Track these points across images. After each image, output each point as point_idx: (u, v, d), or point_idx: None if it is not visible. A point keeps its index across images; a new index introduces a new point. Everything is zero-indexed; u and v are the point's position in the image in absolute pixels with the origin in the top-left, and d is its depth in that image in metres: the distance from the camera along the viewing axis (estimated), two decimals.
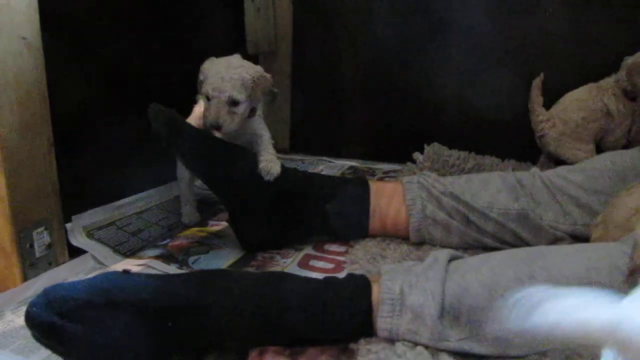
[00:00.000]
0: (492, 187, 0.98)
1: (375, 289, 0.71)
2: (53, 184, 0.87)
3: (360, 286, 0.72)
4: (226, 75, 0.94)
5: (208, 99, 0.95)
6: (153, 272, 0.92)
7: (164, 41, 1.21)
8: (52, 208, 0.87)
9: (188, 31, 1.28)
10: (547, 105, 1.28)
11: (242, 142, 1.01)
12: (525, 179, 0.98)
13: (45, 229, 0.86)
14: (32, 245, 0.84)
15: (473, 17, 1.41)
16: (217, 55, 1.00)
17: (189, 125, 0.94)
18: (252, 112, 1.02)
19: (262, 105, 1.09)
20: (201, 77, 0.98)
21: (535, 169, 1.01)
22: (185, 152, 0.94)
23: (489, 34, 1.42)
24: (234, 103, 0.95)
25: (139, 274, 0.72)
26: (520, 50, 1.39)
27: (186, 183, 1.13)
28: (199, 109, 0.99)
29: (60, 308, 0.63)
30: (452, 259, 0.75)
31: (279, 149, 1.59)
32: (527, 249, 0.76)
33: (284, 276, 0.75)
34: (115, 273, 0.70)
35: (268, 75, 0.99)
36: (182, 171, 1.13)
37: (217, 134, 0.96)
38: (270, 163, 0.98)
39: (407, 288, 0.70)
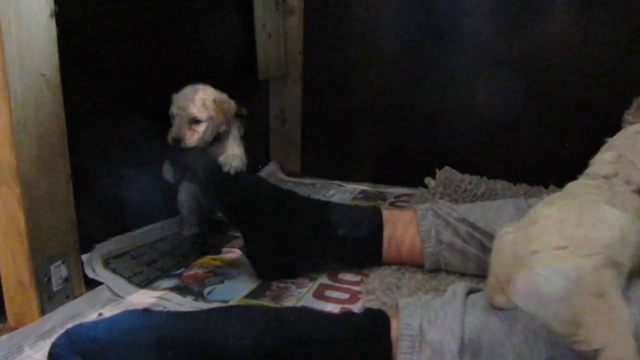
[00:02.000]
0: (505, 214, 0.98)
1: (394, 325, 0.71)
2: (71, 218, 0.87)
3: (379, 324, 0.72)
4: (190, 96, 1.07)
5: (173, 118, 1.07)
6: (169, 304, 0.93)
7: (176, 67, 1.22)
8: (69, 242, 0.87)
9: (199, 57, 1.29)
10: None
11: None
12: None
13: (63, 262, 0.86)
14: (49, 280, 0.84)
15: (484, 39, 1.42)
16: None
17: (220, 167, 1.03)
18: (220, 136, 1.11)
19: (237, 132, 1.16)
20: (172, 103, 1.09)
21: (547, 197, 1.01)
22: (220, 194, 1.02)
23: (502, 55, 1.43)
24: (195, 121, 1.06)
25: (159, 313, 0.72)
26: (534, 72, 1.39)
27: (188, 209, 1.19)
28: None
29: (83, 348, 0.64)
30: (470, 291, 0.74)
31: (289, 173, 1.62)
32: None
33: (303, 312, 0.75)
34: (136, 312, 0.71)
35: (231, 101, 1.11)
36: (184, 198, 1.19)
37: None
38: (230, 159, 1.04)
39: (427, 324, 0.69)
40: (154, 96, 1.15)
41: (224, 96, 1.10)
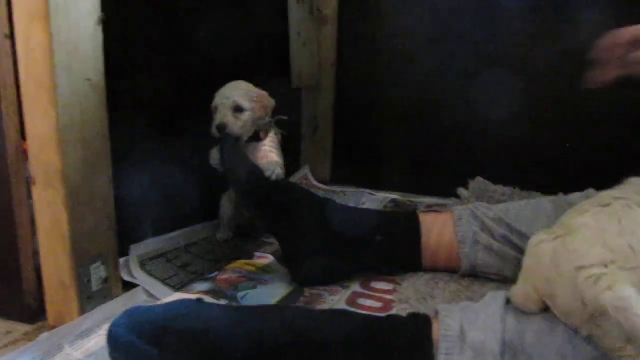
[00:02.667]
0: (542, 212, 0.97)
1: (435, 327, 0.71)
2: (111, 220, 0.89)
3: (420, 324, 0.72)
4: (232, 87, 1.12)
5: (216, 110, 1.11)
6: None
7: (212, 73, 1.24)
8: (108, 244, 0.89)
9: (235, 63, 1.31)
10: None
11: None
12: (578, 201, 0.96)
13: (102, 263, 0.88)
14: (89, 280, 0.86)
15: (518, 51, 1.41)
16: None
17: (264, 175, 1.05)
18: (258, 135, 1.15)
19: (275, 137, 1.19)
20: (214, 102, 1.12)
21: (591, 190, 0.95)
22: (260, 199, 1.03)
23: (537, 69, 1.42)
24: (238, 108, 1.10)
25: (211, 305, 0.75)
26: (568, 82, 1.38)
27: (228, 218, 1.22)
28: None
29: (140, 329, 0.66)
30: (509, 300, 0.74)
31: (320, 180, 1.62)
32: None
33: (347, 313, 0.76)
34: (190, 301, 0.73)
35: (272, 99, 1.15)
36: (226, 205, 1.21)
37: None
38: (272, 165, 1.06)
39: (467, 325, 0.69)
40: (191, 101, 1.17)
41: (263, 92, 1.14)
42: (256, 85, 1.16)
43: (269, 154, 1.14)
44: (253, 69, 1.37)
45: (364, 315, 0.76)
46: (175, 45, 1.15)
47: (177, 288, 1.01)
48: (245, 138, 1.12)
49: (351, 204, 1.45)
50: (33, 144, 0.80)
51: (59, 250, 0.83)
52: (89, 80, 0.81)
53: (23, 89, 0.79)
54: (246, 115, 1.10)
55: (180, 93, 1.17)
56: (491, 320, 0.69)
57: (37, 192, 0.82)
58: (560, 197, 1.00)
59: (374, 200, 1.51)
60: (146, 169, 1.09)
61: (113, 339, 0.67)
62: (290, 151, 1.55)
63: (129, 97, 1.01)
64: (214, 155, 1.11)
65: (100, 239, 0.87)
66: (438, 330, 0.70)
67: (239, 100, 1.10)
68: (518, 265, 0.94)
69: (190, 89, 1.19)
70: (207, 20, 1.24)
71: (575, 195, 0.98)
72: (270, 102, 1.15)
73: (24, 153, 0.82)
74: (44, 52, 0.76)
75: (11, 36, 0.78)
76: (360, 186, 1.61)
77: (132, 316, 0.68)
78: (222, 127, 1.08)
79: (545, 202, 1.00)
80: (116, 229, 0.91)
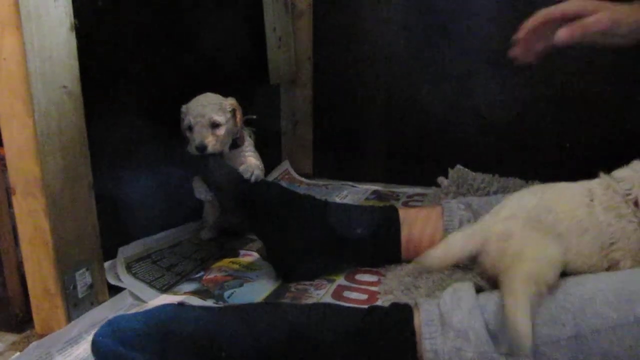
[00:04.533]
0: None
1: (416, 315, 0.73)
2: (93, 225, 0.89)
3: (401, 314, 0.74)
4: (204, 102, 1.08)
5: (190, 129, 1.08)
6: None
7: (188, 74, 1.24)
8: (92, 249, 0.89)
9: (210, 62, 1.31)
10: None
11: None
12: None
13: (87, 269, 0.88)
14: (75, 287, 0.86)
15: (493, 37, 1.43)
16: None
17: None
18: (237, 141, 1.14)
19: (250, 139, 1.19)
20: (182, 116, 1.10)
21: None
22: (241, 202, 1.05)
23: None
24: (215, 125, 1.07)
25: (193, 307, 0.76)
26: (547, 68, 1.40)
27: (213, 218, 1.22)
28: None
29: (123, 337, 0.67)
30: (477, 290, 0.76)
31: (302, 175, 1.63)
32: None
33: (332, 307, 0.77)
34: (171, 305, 0.75)
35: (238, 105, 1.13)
36: (209, 206, 1.21)
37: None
38: (251, 168, 1.07)
39: (445, 308, 0.71)
40: (167, 103, 1.16)
41: (234, 100, 1.13)
42: (234, 84, 1.16)
43: (247, 158, 1.14)
44: (229, 67, 1.37)
45: (347, 308, 0.78)
46: (147, 46, 1.15)
47: (164, 289, 1.02)
48: (227, 150, 1.12)
49: (334, 197, 1.47)
50: (11, 153, 0.80)
51: (43, 259, 0.83)
52: (64, 87, 0.81)
53: None
54: (223, 130, 1.08)
55: (155, 94, 1.16)
56: (467, 302, 0.71)
57: (17, 201, 0.81)
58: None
59: (355, 192, 1.53)
60: (129, 171, 1.09)
61: (98, 350, 0.67)
62: (270, 147, 1.57)
63: (103, 100, 1.01)
64: (199, 186, 1.12)
65: (83, 245, 0.87)
66: (419, 317, 0.72)
67: (214, 117, 1.07)
68: None
69: (165, 91, 1.19)
70: (181, 19, 1.24)
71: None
72: (239, 108, 1.13)
73: (2, 162, 0.82)
74: (18, 61, 0.76)
75: None
76: (342, 178, 1.61)
77: (115, 325, 0.69)
78: (202, 148, 1.06)
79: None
80: (99, 234, 0.91)
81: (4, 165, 0.81)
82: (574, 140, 1.42)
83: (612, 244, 0.74)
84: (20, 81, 0.77)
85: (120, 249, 1.06)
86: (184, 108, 1.11)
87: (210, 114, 1.07)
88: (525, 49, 0.92)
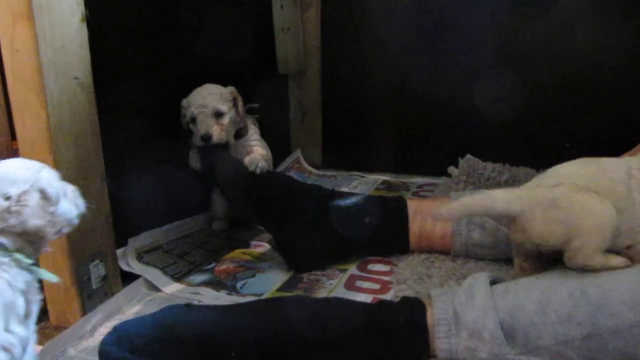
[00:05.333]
0: None
1: (429, 312, 0.73)
2: (107, 217, 0.89)
3: (415, 310, 0.73)
4: (205, 93, 1.08)
5: (193, 120, 1.08)
6: (204, 299, 0.95)
7: (196, 65, 1.23)
8: (106, 241, 0.89)
9: (220, 54, 1.30)
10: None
11: None
12: None
13: (101, 261, 0.88)
14: (89, 279, 0.86)
15: (502, 27, 1.42)
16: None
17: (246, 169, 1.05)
18: (241, 131, 1.14)
19: (255, 127, 1.19)
20: (183, 110, 1.10)
21: None
22: (247, 194, 1.04)
23: (521, 43, 1.42)
24: (218, 114, 1.07)
25: (200, 308, 0.74)
26: (553, 60, 1.39)
27: (221, 208, 1.22)
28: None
29: (130, 344, 0.66)
30: (493, 281, 0.76)
31: (311, 165, 1.63)
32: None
33: (340, 302, 0.76)
34: (179, 307, 0.73)
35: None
36: (217, 197, 1.22)
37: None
38: (255, 160, 1.06)
39: (459, 307, 0.71)
40: (175, 95, 1.16)
41: (233, 88, 1.12)
42: (242, 75, 1.16)
43: (253, 148, 1.13)
44: (237, 59, 1.36)
45: (356, 303, 0.77)
46: (158, 41, 1.14)
47: (177, 277, 1.02)
48: (232, 140, 1.11)
49: (343, 188, 1.47)
50: (24, 145, 0.80)
51: (57, 251, 0.83)
52: (76, 78, 0.81)
53: (10, 91, 0.78)
54: (227, 118, 1.08)
55: (167, 88, 1.16)
56: (482, 300, 0.70)
57: None
58: None
59: (365, 182, 1.52)
60: (140, 164, 1.09)
61: (105, 358, 0.67)
62: (279, 138, 1.57)
63: (114, 91, 1.00)
64: (193, 157, 1.12)
65: (97, 236, 0.88)
66: (432, 315, 0.72)
67: (217, 105, 1.07)
68: (510, 245, 0.97)
69: (174, 82, 1.18)
70: (189, 11, 1.23)
71: None
72: (239, 96, 1.12)
73: (15, 154, 0.82)
74: (30, 53, 0.76)
75: None
76: (352, 169, 1.61)
77: (121, 332, 0.68)
78: (207, 138, 1.06)
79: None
80: (112, 225, 0.91)
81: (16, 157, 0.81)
82: (582, 128, 1.40)
83: None
84: (33, 72, 0.77)
85: (130, 240, 1.07)
86: (184, 102, 1.10)
87: (213, 104, 1.07)
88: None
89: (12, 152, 0.82)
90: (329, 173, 1.61)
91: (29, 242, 0.63)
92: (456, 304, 0.71)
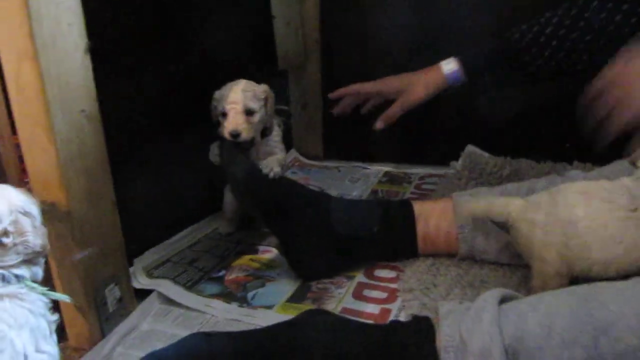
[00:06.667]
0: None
1: (438, 335, 0.75)
2: (119, 241, 0.90)
3: (424, 334, 0.76)
4: (238, 89, 1.08)
5: (224, 115, 1.08)
6: (216, 312, 0.97)
7: (195, 62, 1.23)
8: (119, 264, 0.91)
9: (220, 49, 1.29)
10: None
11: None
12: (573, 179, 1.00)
13: (116, 284, 0.90)
14: (105, 303, 0.89)
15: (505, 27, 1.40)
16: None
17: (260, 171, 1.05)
18: (266, 131, 1.14)
19: (279, 129, 1.19)
20: (215, 103, 1.11)
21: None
22: (258, 198, 1.05)
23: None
24: (249, 112, 1.08)
25: (219, 336, 0.77)
26: None
27: (232, 211, 1.23)
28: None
29: None
30: (503, 299, 0.77)
31: (312, 157, 1.64)
32: (582, 285, 0.78)
33: (353, 330, 0.78)
34: (199, 336, 0.76)
35: (271, 92, 1.13)
36: (228, 200, 1.23)
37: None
38: (271, 163, 1.06)
39: (466, 334, 0.72)
40: (182, 100, 1.16)
41: (267, 88, 1.12)
42: (242, 70, 1.15)
43: (273, 149, 1.14)
44: (238, 53, 1.35)
45: (366, 325, 0.80)
46: (160, 40, 1.13)
47: (188, 286, 1.04)
48: (258, 138, 1.12)
49: (346, 181, 1.49)
50: (35, 181, 0.81)
51: (73, 278, 0.85)
52: (83, 111, 0.81)
53: (19, 128, 0.78)
54: (257, 117, 1.09)
55: (169, 92, 1.16)
56: (487, 325, 0.71)
57: None
58: (555, 177, 1.03)
59: (367, 174, 1.53)
60: (139, 174, 1.09)
61: None
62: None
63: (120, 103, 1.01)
64: (214, 150, 1.12)
65: (111, 261, 0.89)
66: (440, 341, 0.74)
67: (250, 104, 1.07)
68: (514, 251, 0.99)
69: (179, 87, 1.18)
70: (188, 5, 1.21)
71: (573, 173, 1.03)
72: (272, 95, 1.13)
73: (27, 190, 0.83)
74: (36, 90, 0.75)
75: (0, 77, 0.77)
76: (353, 160, 1.62)
77: None
78: (236, 135, 1.06)
79: (539, 182, 1.03)
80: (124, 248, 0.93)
81: (29, 191, 0.82)
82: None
83: None
84: (40, 109, 0.76)
85: (136, 260, 1.09)
86: (217, 94, 1.10)
87: (246, 101, 1.07)
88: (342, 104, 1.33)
89: (23, 186, 0.83)
90: (331, 164, 1.62)
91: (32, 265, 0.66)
92: (463, 331, 0.73)
